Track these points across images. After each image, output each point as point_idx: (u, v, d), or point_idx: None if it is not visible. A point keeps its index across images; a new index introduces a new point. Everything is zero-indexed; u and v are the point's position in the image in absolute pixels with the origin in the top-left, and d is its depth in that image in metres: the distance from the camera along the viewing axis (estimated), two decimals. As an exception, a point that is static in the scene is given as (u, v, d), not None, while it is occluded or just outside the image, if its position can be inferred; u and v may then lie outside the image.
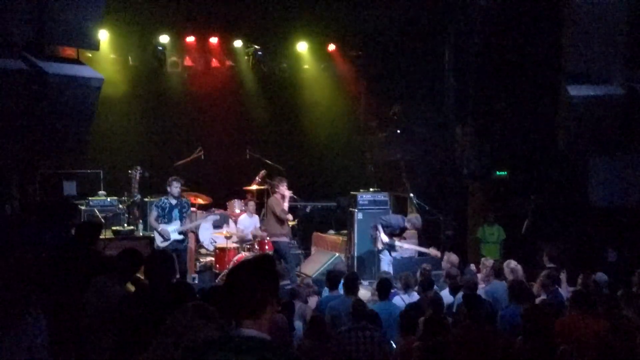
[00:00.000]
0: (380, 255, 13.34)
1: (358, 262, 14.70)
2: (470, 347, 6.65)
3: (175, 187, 12.30)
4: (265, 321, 3.43)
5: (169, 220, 12.26)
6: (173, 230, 12.19)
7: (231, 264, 13.08)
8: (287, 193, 13.47)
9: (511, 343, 6.85)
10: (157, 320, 4.70)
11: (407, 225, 13.36)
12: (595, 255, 13.29)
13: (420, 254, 13.43)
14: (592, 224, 13.70)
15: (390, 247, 13.23)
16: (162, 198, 12.53)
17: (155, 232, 12.30)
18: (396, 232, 13.31)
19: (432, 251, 13.34)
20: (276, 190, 13.52)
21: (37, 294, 5.35)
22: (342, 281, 9.48)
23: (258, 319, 3.40)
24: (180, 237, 12.34)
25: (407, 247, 13.38)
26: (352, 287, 9.11)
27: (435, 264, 12.72)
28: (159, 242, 12.18)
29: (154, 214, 12.33)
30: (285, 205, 13.44)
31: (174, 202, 12.32)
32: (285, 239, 13.57)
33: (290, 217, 13.78)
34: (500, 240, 14.52)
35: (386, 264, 13.12)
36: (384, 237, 13.19)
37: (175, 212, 12.31)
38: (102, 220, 12.87)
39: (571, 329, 7.18)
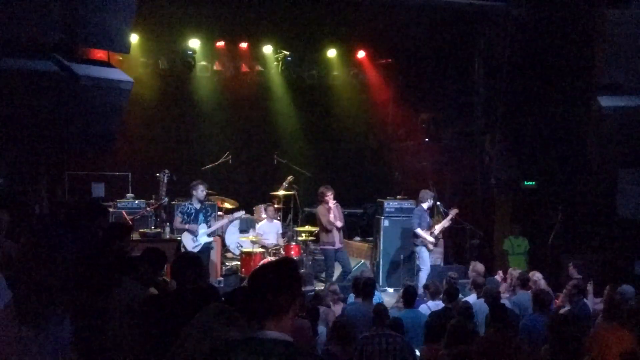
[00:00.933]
0: (421, 265, 13.32)
1: (383, 269, 14.66)
2: (495, 355, 6.60)
3: (201, 191, 12.23)
4: (288, 323, 3.45)
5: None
6: (202, 233, 12.21)
7: (256, 268, 13.09)
8: (332, 204, 13.37)
9: (535, 352, 6.80)
10: (181, 322, 4.72)
11: (424, 206, 13.43)
12: (623, 267, 13.14)
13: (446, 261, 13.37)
14: (620, 236, 13.56)
15: (437, 239, 13.50)
16: (186, 203, 12.48)
17: (184, 235, 12.31)
18: (428, 225, 13.38)
19: (453, 211, 13.68)
20: (322, 199, 13.45)
21: (62, 294, 5.38)
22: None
23: (280, 321, 3.41)
24: (210, 239, 12.39)
25: (441, 227, 13.53)
26: (368, 293, 9.12)
27: (461, 273, 12.72)
28: (190, 246, 12.16)
29: (178, 219, 12.32)
30: (332, 216, 13.33)
31: (198, 206, 12.29)
32: (329, 247, 13.46)
33: (339, 224, 13.59)
34: (525, 252, 14.41)
35: (425, 274, 13.11)
36: (427, 236, 13.21)
37: (201, 217, 12.29)
38: (130, 222, 12.94)
39: (602, 340, 7.10)
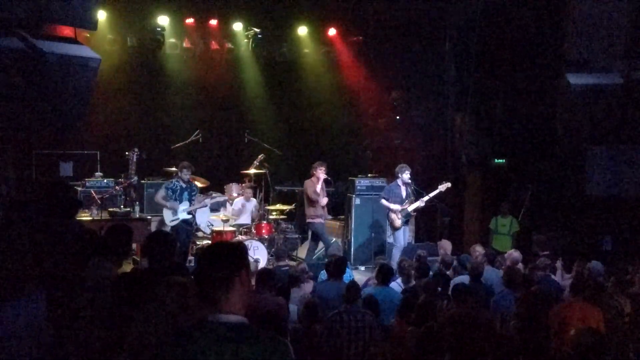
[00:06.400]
0: (394, 242, 13.17)
1: (354, 247, 14.69)
2: (464, 331, 6.64)
3: (185, 174, 12.63)
4: (238, 300, 3.40)
5: (179, 202, 12.52)
6: (182, 210, 12.42)
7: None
8: (322, 176, 13.29)
9: (504, 327, 6.86)
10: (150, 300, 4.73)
11: (399, 182, 13.26)
12: (591, 244, 13.28)
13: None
14: (588, 213, 13.69)
15: (407, 217, 13.20)
16: (173, 180, 12.84)
17: (164, 210, 12.59)
18: (400, 200, 13.18)
19: (443, 186, 13.36)
20: (313, 173, 13.37)
21: (36, 269, 5.35)
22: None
23: (229, 299, 3.37)
24: (189, 217, 12.66)
25: (420, 203, 13.28)
26: (338, 272, 9.13)
27: (430, 250, 12.74)
28: (168, 220, 12.51)
29: (161, 193, 12.61)
30: (318, 187, 13.25)
31: (184, 185, 12.66)
32: (318, 220, 13.39)
33: (324, 200, 13.46)
34: (512, 233, 14.21)
35: (398, 251, 12.98)
36: (395, 206, 13.03)
37: (185, 195, 12.68)
38: (99, 201, 12.86)
39: (564, 314, 7.16)
